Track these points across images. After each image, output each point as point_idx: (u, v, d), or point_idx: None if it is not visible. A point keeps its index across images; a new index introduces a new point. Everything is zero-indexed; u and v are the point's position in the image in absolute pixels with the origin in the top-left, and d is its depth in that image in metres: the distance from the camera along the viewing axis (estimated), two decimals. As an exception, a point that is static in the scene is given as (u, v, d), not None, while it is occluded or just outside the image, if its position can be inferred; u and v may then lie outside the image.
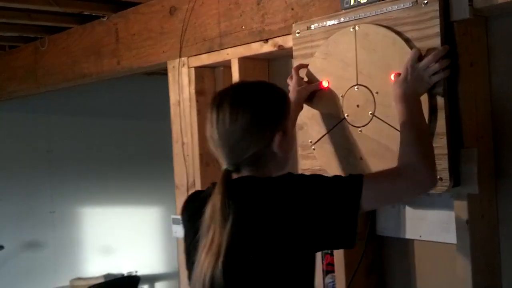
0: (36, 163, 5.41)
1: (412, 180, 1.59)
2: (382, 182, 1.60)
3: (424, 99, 1.89)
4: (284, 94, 1.71)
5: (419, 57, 1.85)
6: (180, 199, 3.09)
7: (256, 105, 1.60)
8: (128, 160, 5.60)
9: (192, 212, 1.72)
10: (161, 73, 3.36)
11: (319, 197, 1.53)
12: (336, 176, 1.62)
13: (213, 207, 1.55)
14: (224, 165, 1.62)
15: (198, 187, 2.99)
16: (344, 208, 1.54)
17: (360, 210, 1.54)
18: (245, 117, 1.57)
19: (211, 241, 1.52)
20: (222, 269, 1.49)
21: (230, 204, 1.53)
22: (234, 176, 1.62)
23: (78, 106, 5.48)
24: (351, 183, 1.56)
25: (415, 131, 1.70)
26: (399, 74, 1.86)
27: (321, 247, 1.67)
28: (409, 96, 1.78)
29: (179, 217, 3.01)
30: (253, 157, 1.60)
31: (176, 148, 3.12)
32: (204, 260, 1.52)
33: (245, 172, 1.62)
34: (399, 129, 1.92)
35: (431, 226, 2.18)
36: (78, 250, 5.65)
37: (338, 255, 2.29)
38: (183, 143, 3.07)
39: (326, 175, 1.63)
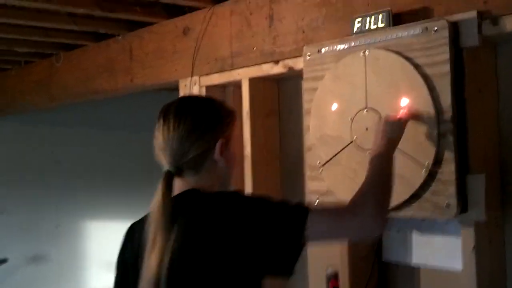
0: (43, 177, 5.38)
1: (360, 222, 1.53)
2: (328, 217, 1.55)
3: (433, 125, 1.87)
4: (229, 109, 1.74)
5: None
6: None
7: (199, 112, 1.65)
8: (135, 175, 5.55)
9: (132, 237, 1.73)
10: (170, 89, 3.36)
11: (263, 223, 1.51)
12: (283, 203, 1.58)
13: (155, 211, 1.56)
14: (166, 167, 1.63)
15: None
16: (287, 237, 1.50)
17: (304, 241, 1.50)
18: (187, 123, 1.62)
19: (153, 253, 1.52)
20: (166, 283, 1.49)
21: (173, 214, 1.54)
22: (178, 183, 1.63)
23: (85, 119, 5.46)
24: (297, 213, 1.52)
25: (384, 175, 1.67)
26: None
27: (260, 273, 1.58)
28: (395, 140, 1.80)
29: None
30: (194, 161, 1.62)
31: (186, 166, 3.10)
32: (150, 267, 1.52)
33: (186, 176, 1.63)
34: (406, 152, 1.91)
35: (437, 252, 2.14)
36: (83, 264, 5.59)
37: (344, 279, 2.26)
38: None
39: (274, 199, 1.59)
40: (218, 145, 1.63)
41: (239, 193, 1.65)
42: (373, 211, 1.53)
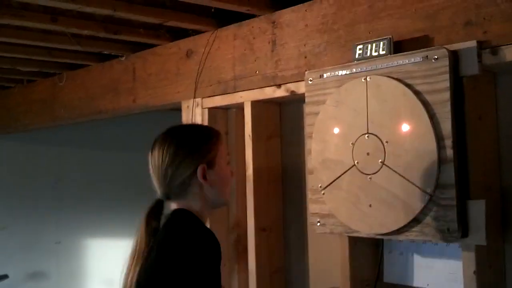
0: (44, 193, 5.37)
1: None
2: None
3: (434, 151, 1.90)
4: (213, 133, 1.82)
5: None
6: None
7: (179, 141, 1.75)
8: (135, 193, 5.56)
9: None
10: (172, 109, 3.39)
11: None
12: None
13: (137, 233, 1.72)
14: (157, 195, 1.77)
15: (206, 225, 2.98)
16: None
17: None
18: (169, 152, 1.73)
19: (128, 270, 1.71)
20: None
21: (151, 237, 1.69)
22: (173, 205, 1.75)
23: (87, 137, 5.48)
24: None
25: None
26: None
27: None
28: None
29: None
30: (179, 187, 1.73)
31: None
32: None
33: (176, 200, 1.75)
34: (409, 179, 1.94)
35: (438, 275, 2.17)
36: (83, 281, 5.58)
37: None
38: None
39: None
40: (199, 170, 1.71)
41: (208, 235, 1.67)
42: None
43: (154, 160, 1.75)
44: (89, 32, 3.10)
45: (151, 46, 3.38)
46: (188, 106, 3.14)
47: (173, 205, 1.76)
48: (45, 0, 2.60)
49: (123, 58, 3.59)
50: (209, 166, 1.74)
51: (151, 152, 1.77)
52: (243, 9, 2.65)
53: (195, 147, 1.74)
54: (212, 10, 2.83)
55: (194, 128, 1.87)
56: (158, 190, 1.76)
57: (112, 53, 3.57)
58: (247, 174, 2.81)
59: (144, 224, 1.72)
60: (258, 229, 2.74)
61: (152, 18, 2.82)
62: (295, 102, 2.73)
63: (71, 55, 3.65)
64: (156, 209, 1.75)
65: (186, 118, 3.14)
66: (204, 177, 1.72)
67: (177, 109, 3.24)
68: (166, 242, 1.64)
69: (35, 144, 5.32)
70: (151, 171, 1.77)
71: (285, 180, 2.87)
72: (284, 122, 2.90)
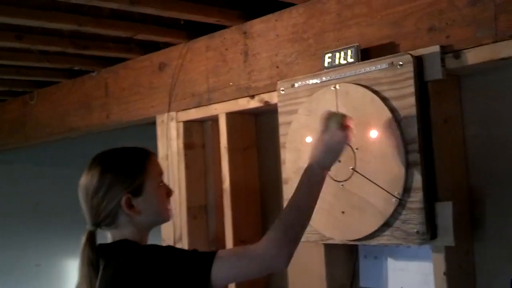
0: (23, 216, 5.48)
1: (262, 261, 1.70)
2: (233, 258, 1.72)
3: (401, 155, 2.08)
4: (140, 157, 1.85)
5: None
6: (169, 253, 3.23)
7: (105, 167, 1.79)
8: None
9: None
10: (150, 123, 3.52)
11: (171, 270, 1.68)
12: (193, 251, 1.74)
13: (79, 263, 1.79)
14: (87, 225, 1.82)
15: (185, 240, 3.14)
16: (193, 282, 1.67)
17: (210, 284, 1.67)
18: (94, 179, 1.78)
19: None
20: None
21: (98, 264, 1.76)
22: (108, 234, 1.83)
23: (66, 157, 5.59)
24: (203, 258, 1.69)
25: (300, 211, 1.79)
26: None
27: None
28: (315, 167, 1.86)
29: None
30: (107, 218, 1.79)
31: (165, 202, 3.26)
32: None
33: (107, 231, 1.82)
34: (378, 184, 2.11)
35: (413, 277, 2.34)
36: (63, 304, 5.70)
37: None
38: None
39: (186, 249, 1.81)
40: (123, 201, 1.76)
41: (154, 246, 1.78)
42: (275, 249, 1.69)
43: (81, 189, 1.81)
44: (56, 48, 3.23)
45: (123, 60, 3.52)
46: (162, 121, 3.30)
47: (109, 235, 1.82)
48: (7, 18, 2.70)
49: (94, 74, 3.74)
50: (136, 194, 1.78)
51: (80, 181, 1.83)
52: (213, 20, 2.82)
53: (118, 177, 1.77)
54: (182, 22, 2.99)
55: (120, 154, 1.86)
56: (87, 220, 1.81)
57: (83, 69, 3.71)
58: (224, 186, 2.97)
59: (82, 260, 1.78)
60: (237, 241, 2.89)
61: (121, 31, 2.96)
62: (270, 112, 2.88)
63: (41, 72, 3.78)
64: (90, 241, 1.79)
65: (161, 133, 3.30)
66: (131, 207, 1.77)
67: (154, 123, 3.40)
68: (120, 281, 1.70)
69: (13, 166, 5.42)
70: (80, 200, 1.83)
71: (263, 191, 3.04)
72: (260, 133, 3.07)
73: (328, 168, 1.90)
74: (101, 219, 1.79)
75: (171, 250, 1.78)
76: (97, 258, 1.77)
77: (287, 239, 1.71)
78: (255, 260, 1.70)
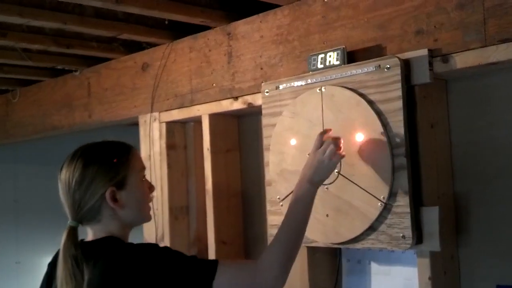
0: (2, 213, 5.36)
1: (263, 280, 1.67)
2: (237, 271, 1.70)
3: (387, 159, 1.99)
4: (123, 150, 1.76)
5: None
6: (150, 253, 3.12)
7: (87, 160, 1.70)
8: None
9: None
10: (132, 124, 3.43)
11: (175, 274, 1.62)
12: (192, 257, 1.69)
13: (60, 260, 1.65)
14: (69, 220, 1.71)
15: (167, 240, 3.03)
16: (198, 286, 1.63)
17: None
18: (76, 172, 1.68)
19: None
20: None
21: (83, 267, 1.62)
22: (90, 230, 1.73)
23: (46, 155, 5.46)
24: (207, 265, 1.67)
25: (294, 230, 1.78)
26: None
27: None
28: (308, 183, 1.84)
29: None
30: (92, 212, 1.69)
31: (146, 202, 3.16)
32: None
33: (89, 227, 1.72)
34: (363, 188, 2.02)
35: (395, 282, 2.26)
36: (43, 302, 5.57)
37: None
38: (152, 197, 3.12)
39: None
40: (107, 194, 1.67)
41: (155, 246, 1.72)
42: (276, 271, 1.68)
43: (62, 184, 1.71)
44: (39, 47, 3.13)
45: (106, 60, 3.42)
46: (145, 121, 3.19)
47: (89, 231, 1.73)
48: (-9, 15, 2.60)
49: (77, 73, 3.62)
50: (119, 187, 1.70)
51: (59, 175, 1.73)
52: (197, 21, 2.72)
53: (102, 169, 1.69)
54: (166, 22, 2.89)
55: (102, 147, 1.77)
56: (68, 215, 1.71)
57: (66, 68, 3.61)
58: (206, 187, 2.87)
59: (64, 257, 1.65)
60: (219, 242, 2.80)
61: (105, 31, 2.86)
62: (253, 114, 2.80)
63: (23, 70, 3.67)
64: (72, 237, 1.68)
65: (143, 133, 3.20)
66: (115, 200, 1.69)
67: (136, 124, 3.29)
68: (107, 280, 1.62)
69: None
70: (60, 195, 1.73)
71: (245, 193, 2.94)
72: (242, 135, 2.97)
73: (319, 185, 1.88)
74: (83, 214, 1.69)
75: (172, 253, 1.69)
76: (80, 254, 1.65)
77: (289, 262, 1.73)
78: (256, 276, 1.68)
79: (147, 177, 3.06)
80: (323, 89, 2.21)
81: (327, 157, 1.86)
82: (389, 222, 2.00)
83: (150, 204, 1.83)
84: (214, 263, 1.66)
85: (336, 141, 1.91)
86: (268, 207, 2.41)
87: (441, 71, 2.01)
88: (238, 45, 2.71)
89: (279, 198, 2.34)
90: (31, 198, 5.46)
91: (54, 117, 3.84)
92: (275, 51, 2.55)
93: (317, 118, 2.21)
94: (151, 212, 1.84)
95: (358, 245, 2.09)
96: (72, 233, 1.68)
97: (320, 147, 1.90)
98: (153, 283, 1.58)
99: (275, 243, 1.74)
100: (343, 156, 1.94)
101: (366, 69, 2.10)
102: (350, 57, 2.22)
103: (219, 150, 2.89)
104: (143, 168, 1.81)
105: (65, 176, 1.70)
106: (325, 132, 1.99)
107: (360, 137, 2.07)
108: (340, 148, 1.91)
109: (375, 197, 2.02)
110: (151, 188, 1.83)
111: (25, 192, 5.46)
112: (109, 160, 1.71)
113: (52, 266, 1.78)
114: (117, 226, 1.72)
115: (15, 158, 5.36)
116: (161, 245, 2.93)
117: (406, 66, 2.03)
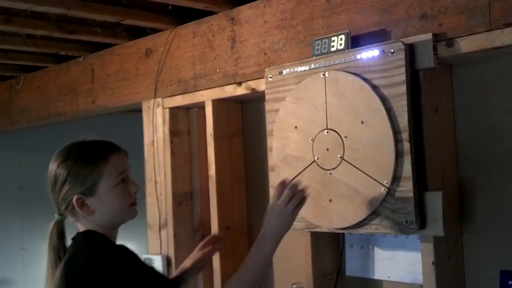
0: (7, 200, 5.36)
1: None
2: None
3: (390, 144, 1.97)
4: (98, 158, 1.71)
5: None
6: (152, 238, 3.12)
7: (60, 164, 1.72)
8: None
9: None
10: (136, 110, 3.41)
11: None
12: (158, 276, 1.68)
13: (46, 250, 1.72)
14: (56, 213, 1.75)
15: (170, 226, 3.02)
16: None
17: None
18: (51, 174, 1.73)
19: None
20: None
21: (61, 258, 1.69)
22: (77, 224, 1.74)
23: (50, 143, 5.45)
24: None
25: (252, 282, 1.69)
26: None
27: None
28: (268, 238, 1.74)
29: (151, 256, 3.05)
30: (68, 210, 1.72)
31: (149, 187, 3.15)
32: None
33: (73, 220, 1.74)
34: (367, 173, 2.00)
35: (399, 267, 2.24)
36: (48, 287, 5.59)
37: (308, 294, 2.35)
38: (156, 183, 3.11)
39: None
40: (73, 201, 1.68)
41: (124, 250, 1.68)
42: None
43: (46, 178, 1.76)
44: (43, 33, 3.11)
45: (109, 45, 3.40)
46: (148, 107, 3.17)
47: (78, 224, 1.74)
48: (-4, 0, 2.58)
49: (81, 59, 3.60)
50: (88, 194, 1.68)
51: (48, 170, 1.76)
52: (201, 6, 2.69)
53: (71, 176, 1.68)
54: (170, 7, 2.86)
55: (77, 153, 1.73)
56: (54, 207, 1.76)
57: (69, 54, 3.58)
58: (209, 173, 2.85)
59: (48, 247, 1.72)
60: (222, 228, 2.79)
61: (108, 16, 2.84)
62: (257, 100, 2.78)
63: (27, 56, 3.65)
64: (57, 229, 1.72)
65: (147, 119, 3.18)
66: (83, 205, 1.68)
67: (140, 110, 3.27)
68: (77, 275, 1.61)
69: (-1, 149, 5.30)
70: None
71: (248, 179, 2.92)
72: (246, 120, 2.95)
73: (281, 237, 1.75)
74: (63, 211, 1.73)
75: (137, 270, 1.63)
76: (64, 246, 1.72)
77: None
78: None
79: (151, 165, 3.08)
80: (326, 74, 2.19)
81: (288, 211, 1.72)
82: (393, 207, 1.98)
83: (138, 199, 1.79)
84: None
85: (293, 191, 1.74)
86: (272, 192, 2.39)
87: (445, 55, 1.99)
88: (242, 30, 2.68)
89: (282, 183, 2.32)
90: (35, 185, 5.43)
91: (58, 103, 3.82)
92: (278, 36, 2.52)
93: (320, 104, 2.19)
94: (137, 207, 1.78)
95: (362, 230, 2.08)
96: (58, 225, 1.73)
97: (280, 197, 1.74)
98: None
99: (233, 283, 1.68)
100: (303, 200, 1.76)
101: (370, 54, 2.07)
102: (354, 41, 2.19)
103: (222, 136, 2.87)
104: (124, 171, 1.74)
105: (48, 173, 1.75)
106: (281, 182, 1.79)
107: (363, 122, 2.05)
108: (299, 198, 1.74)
109: (378, 182, 2.00)
110: (131, 189, 1.75)
111: (29, 179, 5.45)
112: (78, 169, 1.69)
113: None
114: (93, 226, 1.71)
115: (19, 145, 5.36)
116: (164, 231, 2.95)
117: (411, 51, 2.01)
